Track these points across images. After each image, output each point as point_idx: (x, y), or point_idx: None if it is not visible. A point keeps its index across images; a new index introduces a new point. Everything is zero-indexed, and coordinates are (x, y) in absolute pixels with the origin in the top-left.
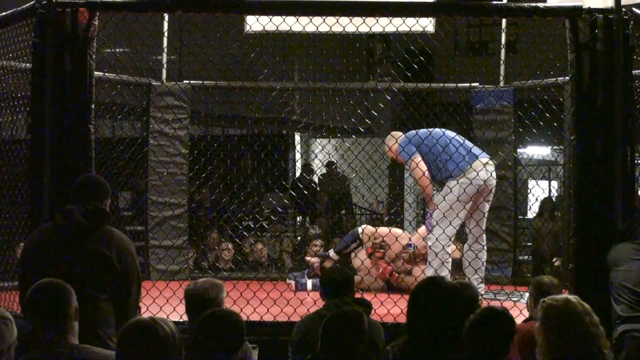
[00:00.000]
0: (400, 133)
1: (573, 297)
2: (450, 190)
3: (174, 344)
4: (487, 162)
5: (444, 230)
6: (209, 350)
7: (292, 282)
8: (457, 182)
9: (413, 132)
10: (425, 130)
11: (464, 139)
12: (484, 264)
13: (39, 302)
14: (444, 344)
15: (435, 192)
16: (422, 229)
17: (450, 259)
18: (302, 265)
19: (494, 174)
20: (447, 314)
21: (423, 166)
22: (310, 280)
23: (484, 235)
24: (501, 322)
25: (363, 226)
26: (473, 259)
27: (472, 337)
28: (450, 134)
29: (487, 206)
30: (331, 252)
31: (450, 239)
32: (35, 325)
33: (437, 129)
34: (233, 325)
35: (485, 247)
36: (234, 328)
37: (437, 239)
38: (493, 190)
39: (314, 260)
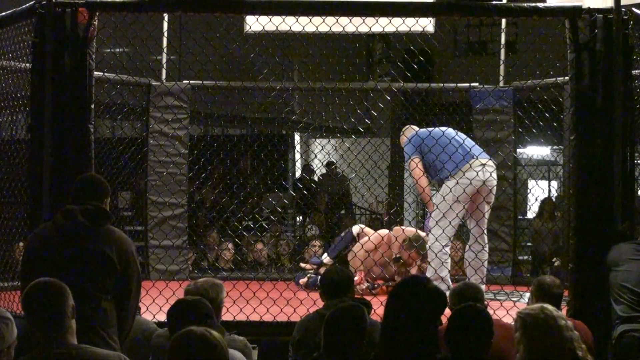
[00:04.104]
0: (416, 128)
1: (546, 305)
2: (450, 190)
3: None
4: (486, 163)
5: (443, 230)
6: None
7: (305, 279)
8: (457, 182)
9: (424, 130)
10: (425, 130)
11: (465, 137)
12: (485, 264)
13: (35, 302)
14: (420, 345)
15: (434, 192)
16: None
17: (449, 259)
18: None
19: (494, 174)
20: (423, 313)
21: (421, 168)
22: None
23: (485, 236)
24: (478, 319)
25: (361, 226)
26: (473, 259)
27: (451, 335)
28: (451, 133)
29: (486, 207)
30: (325, 258)
31: (449, 238)
32: (32, 325)
33: (436, 130)
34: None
35: (485, 248)
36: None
37: (436, 239)
38: (493, 191)
39: (307, 267)
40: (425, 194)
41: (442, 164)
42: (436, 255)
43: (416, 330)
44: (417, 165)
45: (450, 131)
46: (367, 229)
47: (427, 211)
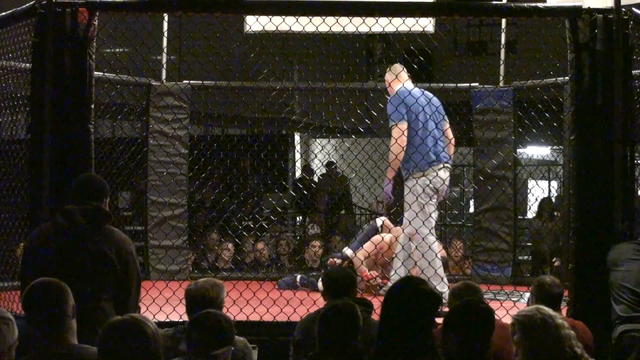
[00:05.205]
0: (405, 77)
1: (540, 305)
2: (423, 190)
3: (158, 342)
4: (447, 164)
5: (416, 230)
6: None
7: (306, 281)
8: (429, 180)
9: (416, 91)
10: (417, 90)
11: (441, 132)
12: (433, 263)
13: (35, 302)
14: (416, 346)
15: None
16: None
17: (435, 255)
18: (302, 265)
19: None
20: (417, 314)
21: (404, 137)
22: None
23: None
24: (479, 314)
25: (382, 218)
26: (420, 259)
27: (452, 331)
28: (430, 125)
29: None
30: (349, 252)
31: (423, 238)
32: (33, 325)
33: (422, 97)
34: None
35: (433, 246)
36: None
37: (409, 238)
38: None
39: (332, 262)
40: (395, 161)
41: (414, 162)
42: (405, 253)
43: (411, 331)
44: (402, 132)
45: (431, 122)
46: (388, 222)
47: (388, 179)
